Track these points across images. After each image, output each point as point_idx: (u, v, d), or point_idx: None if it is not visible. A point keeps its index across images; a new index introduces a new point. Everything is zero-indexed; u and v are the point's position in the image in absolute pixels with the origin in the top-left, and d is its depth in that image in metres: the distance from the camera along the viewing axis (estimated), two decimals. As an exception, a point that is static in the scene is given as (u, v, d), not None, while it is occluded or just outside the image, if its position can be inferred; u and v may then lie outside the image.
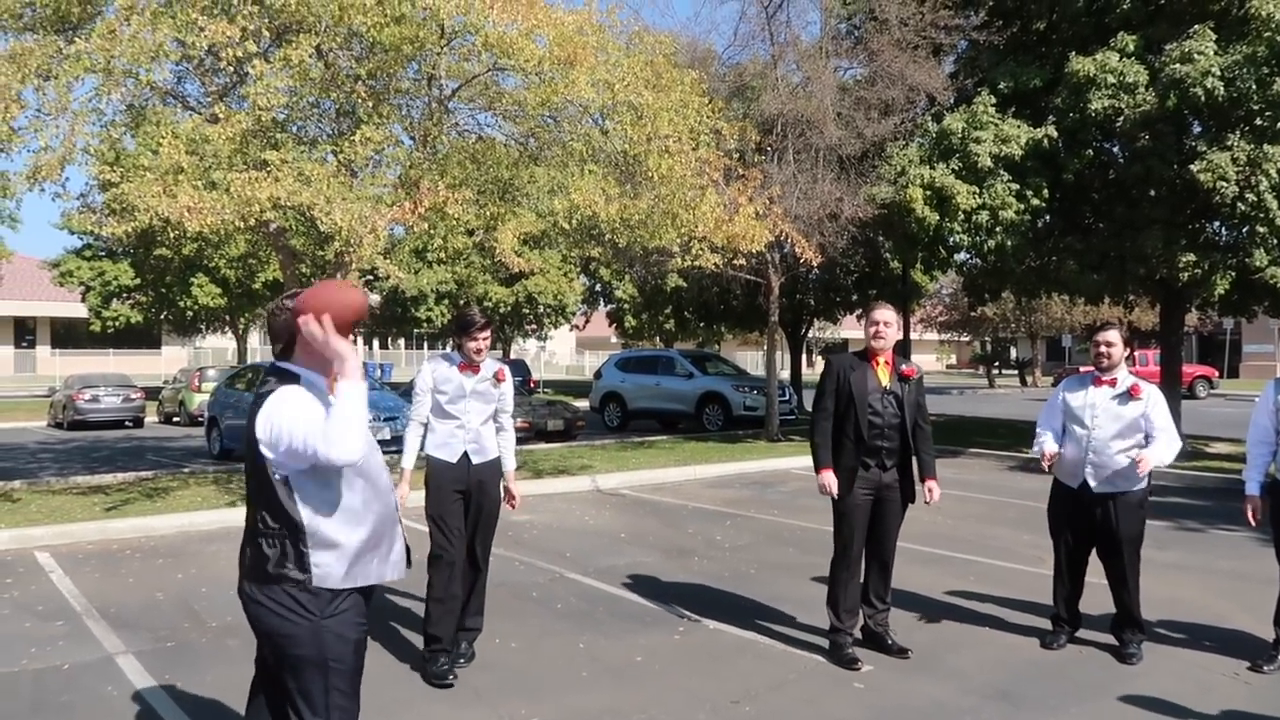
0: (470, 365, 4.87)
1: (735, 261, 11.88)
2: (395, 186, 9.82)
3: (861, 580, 5.10)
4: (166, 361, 41.66)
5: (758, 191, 12.09)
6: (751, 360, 46.24)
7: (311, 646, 2.72)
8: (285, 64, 8.43)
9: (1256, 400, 5.09)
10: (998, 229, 13.16)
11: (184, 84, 10.35)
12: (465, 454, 4.86)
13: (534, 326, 36.29)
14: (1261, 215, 11.89)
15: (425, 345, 46.28)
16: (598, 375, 21.50)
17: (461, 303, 27.70)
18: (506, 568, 6.84)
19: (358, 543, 2.78)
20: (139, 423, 22.57)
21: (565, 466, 12.10)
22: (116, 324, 31.43)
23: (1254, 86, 11.62)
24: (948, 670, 4.87)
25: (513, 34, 8.80)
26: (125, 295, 30.69)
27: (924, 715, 4.32)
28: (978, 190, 13.03)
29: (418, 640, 5.23)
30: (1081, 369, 5.42)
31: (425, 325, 33.81)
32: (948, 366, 66.59)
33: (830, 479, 4.92)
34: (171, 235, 10.28)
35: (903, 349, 19.66)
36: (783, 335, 22.40)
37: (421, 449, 4.91)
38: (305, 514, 2.70)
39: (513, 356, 36.13)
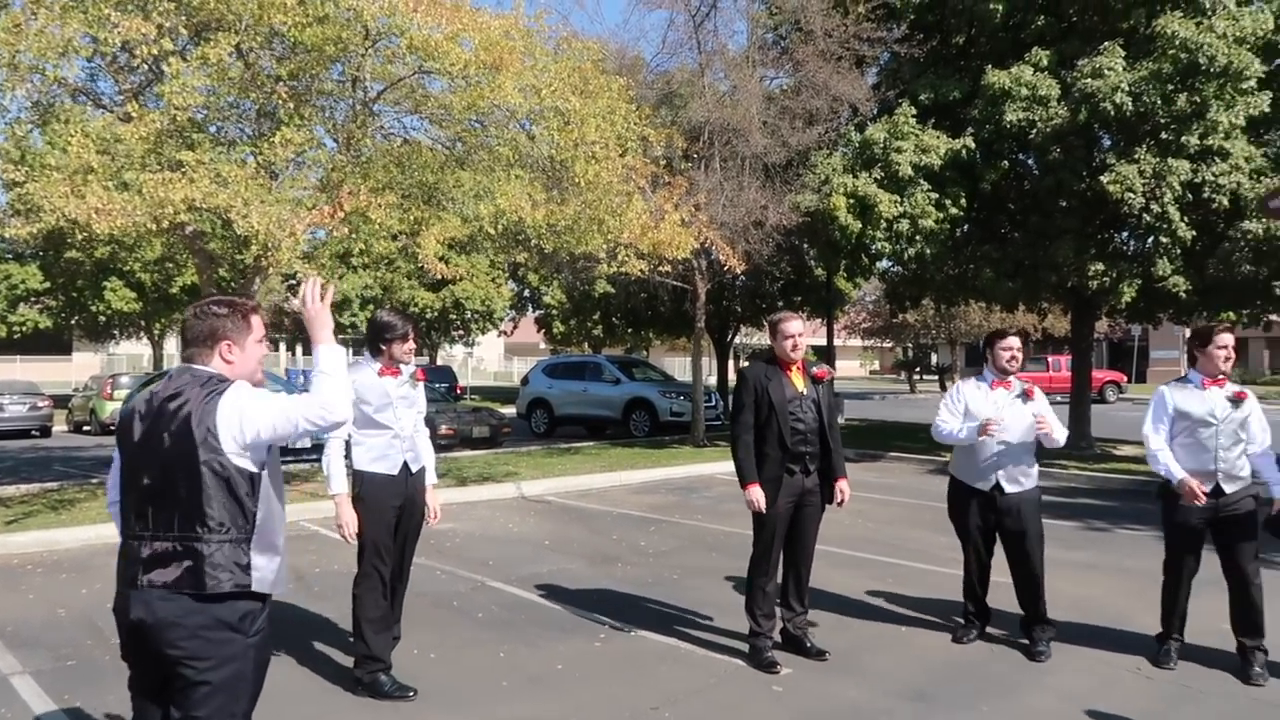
0: (392, 369, 4.78)
1: (661, 268, 11.93)
2: (317, 189, 9.63)
3: (780, 584, 5.17)
4: (78, 368, 40.16)
5: (684, 199, 12.18)
6: (679, 366, 46.50)
7: (234, 666, 2.61)
8: (203, 63, 8.21)
9: (1151, 407, 5.13)
10: (918, 237, 13.48)
11: (96, 81, 10.01)
12: (405, 464, 4.77)
13: (461, 332, 35.96)
14: (1165, 226, 12.39)
15: (350, 351, 45.49)
16: (525, 381, 21.43)
17: (386, 306, 27.29)
18: (427, 577, 6.74)
19: (283, 547, 2.78)
20: (46, 432, 21.70)
21: (490, 473, 11.99)
22: (24, 329, 30.17)
23: (1159, 102, 12.12)
24: (865, 671, 4.95)
25: (438, 37, 8.72)
26: (34, 299, 29.49)
27: (841, 717, 4.39)
28: (899, 199, 13.34)
29: (332, 654, 5.14)
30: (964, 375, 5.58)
31: (349, 331, 33.24)
32: (871, 372, 67.86)
33: (758, 494, 4.93)
34: (80, 237, 9.92)
35: (827, 355, 19.89)
36: (709, 341, 22.57)
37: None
38: (261, 512, 2.67)
39: (439, 363, 35.70)
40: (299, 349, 45.01)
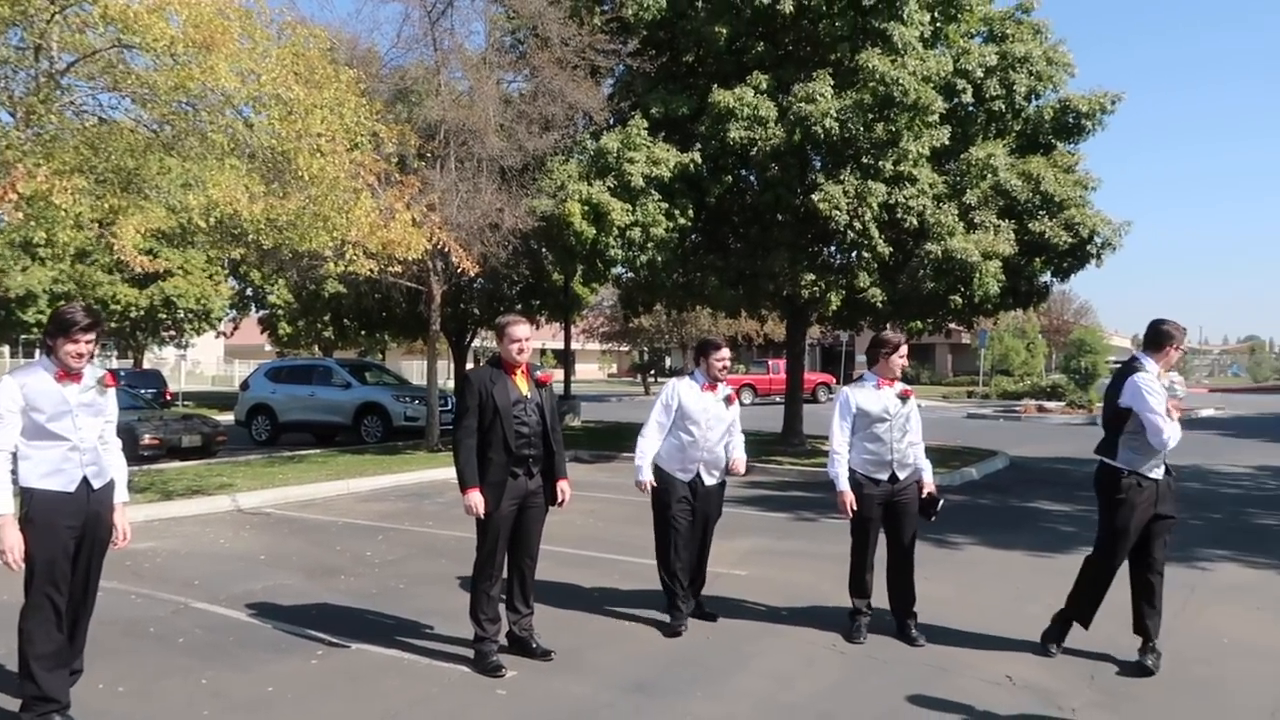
0: (70, 373, 4.25)
1: (393, 269, 11.55)
2: (-13, 169, 8.45)
3: (505, 586, 5.16)
4: None
5: (416, 198, 11.86)
6: (417, 369, 45.38)
7: None
8: None
9: (837, 407, 5.73)
10: (649, 245, 13.98)
11: None
12: (85, 480, 4.24)
13: (173, 333, 32.98)
14: (866, 242, 13.67)
15: (36, 353, 40.45)
16: (244, 386, 20.13)
17: (78, 302, 24.52)
18: (119, 602, 6.10)
19: None
20: None
21: (201, 486, 11.07)
22: None
23: (861, 129, 13.33)
24: (590, 668, 5.04)
25: (138, 9, 7.94)
26: None
27: (564, 715, 4.43)
28: (631, 208, 13.75)
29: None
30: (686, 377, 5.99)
31: (35, 330, 29.56)
32: (609, 375, 69.66)
33: (477, 499, 4.93)
34: None
35: (566, 358, 20.05)
36: (447, 344, 22.21)
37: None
38: None
39: (147, 366, 32.58)
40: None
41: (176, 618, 5.95)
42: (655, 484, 5.77)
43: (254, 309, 36.82)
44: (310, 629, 5.68)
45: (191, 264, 29.41)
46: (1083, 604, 5.30)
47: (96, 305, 26.61)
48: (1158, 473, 5.05)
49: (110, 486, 4.40)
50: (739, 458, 5.95)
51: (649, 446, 5.77)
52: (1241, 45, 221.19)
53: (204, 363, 56.43)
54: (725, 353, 5.86)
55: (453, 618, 5.77)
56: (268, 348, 41.73)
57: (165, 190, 9.52)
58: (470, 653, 5.05)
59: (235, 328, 38.62)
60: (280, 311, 33.53)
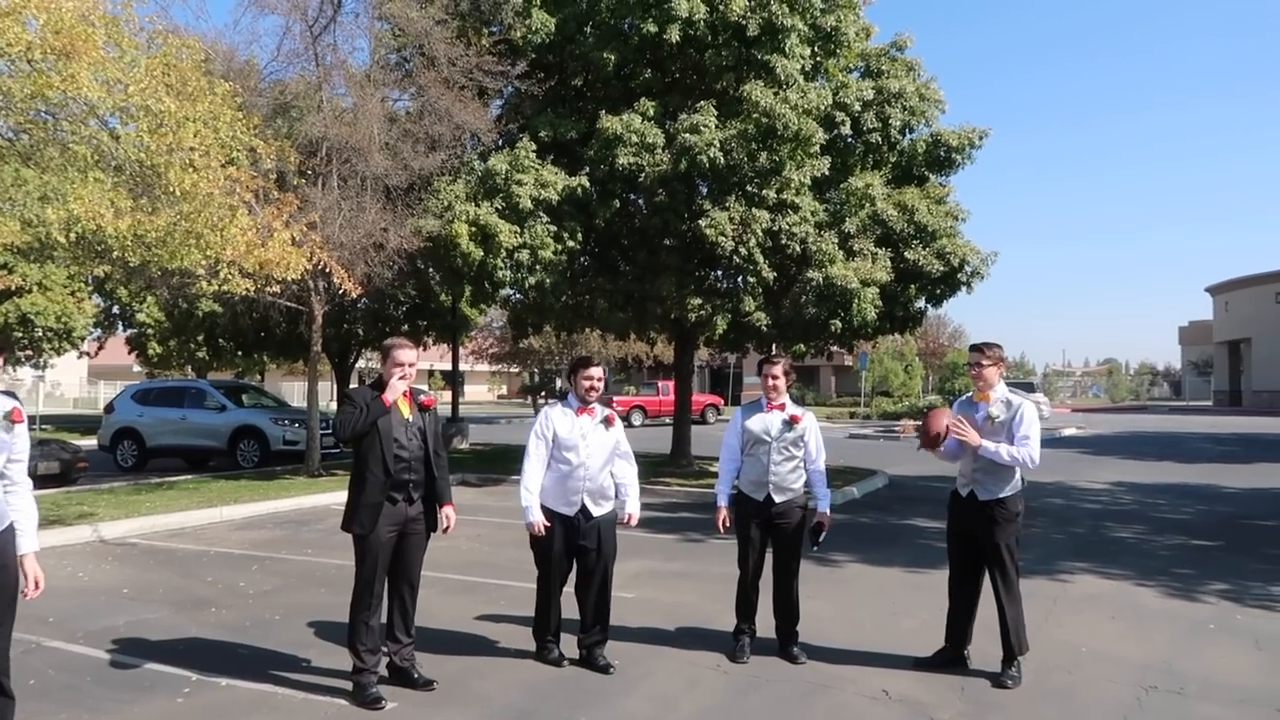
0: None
1: (271, 288, 11.17)
2: None
3: (385, 616, 5.03)
4: None
5: (296, 216, 11.54)
6: (299, 391, 44.01)
7: None
8: None
9: (728, 424, 5.93)
10: (538, 267, 13.95)
11: None
12: None
13: (30, 353, 30.97)
14: (751, 267, 13.96)
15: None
16: (109, 409, 19.13)
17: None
18: (-37, 643, 5.67)
19: None
20: None
21: (59, 515, 10.43)
22: None
23: (746, 158, 13.64)
24: (473, 697, 4.95)
25: (-9, 11, 7.51)
26: None
27: (445, 747, 4.34)
28: (519, 230, 13.71)
29: None
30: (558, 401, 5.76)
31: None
32: (499, 397, 68.93)
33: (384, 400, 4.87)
34: None
35: (454, 379, 19.72)
36: (329, 365, 21.60)
37: None
38: None
39: (1, 388, 30.52)
40: None
41: (27, 658, 5.57)
42: (548, 522, 5.32)
43: (121, 328, 34.95)
44: (176, 665, 5.40)
45: (51, 280, 27.75)
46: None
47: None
48: (964, 491, 5.42)
49: (9, 531, 3.95)
50: (632, 511, 5.56)
51: (533, 484, 5.30)
52: (1092, 86, 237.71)
53: (65, 384, 53.32)
54: (594, 371, 5.42)
55: (330, 649, 5.60)
56: (136, 369, 39.70)
57: (20, 203, 8.99)
58: (349, 685, 4.90)
59: (100, 347, 36.58)
60: (150, 331, 31.94)
